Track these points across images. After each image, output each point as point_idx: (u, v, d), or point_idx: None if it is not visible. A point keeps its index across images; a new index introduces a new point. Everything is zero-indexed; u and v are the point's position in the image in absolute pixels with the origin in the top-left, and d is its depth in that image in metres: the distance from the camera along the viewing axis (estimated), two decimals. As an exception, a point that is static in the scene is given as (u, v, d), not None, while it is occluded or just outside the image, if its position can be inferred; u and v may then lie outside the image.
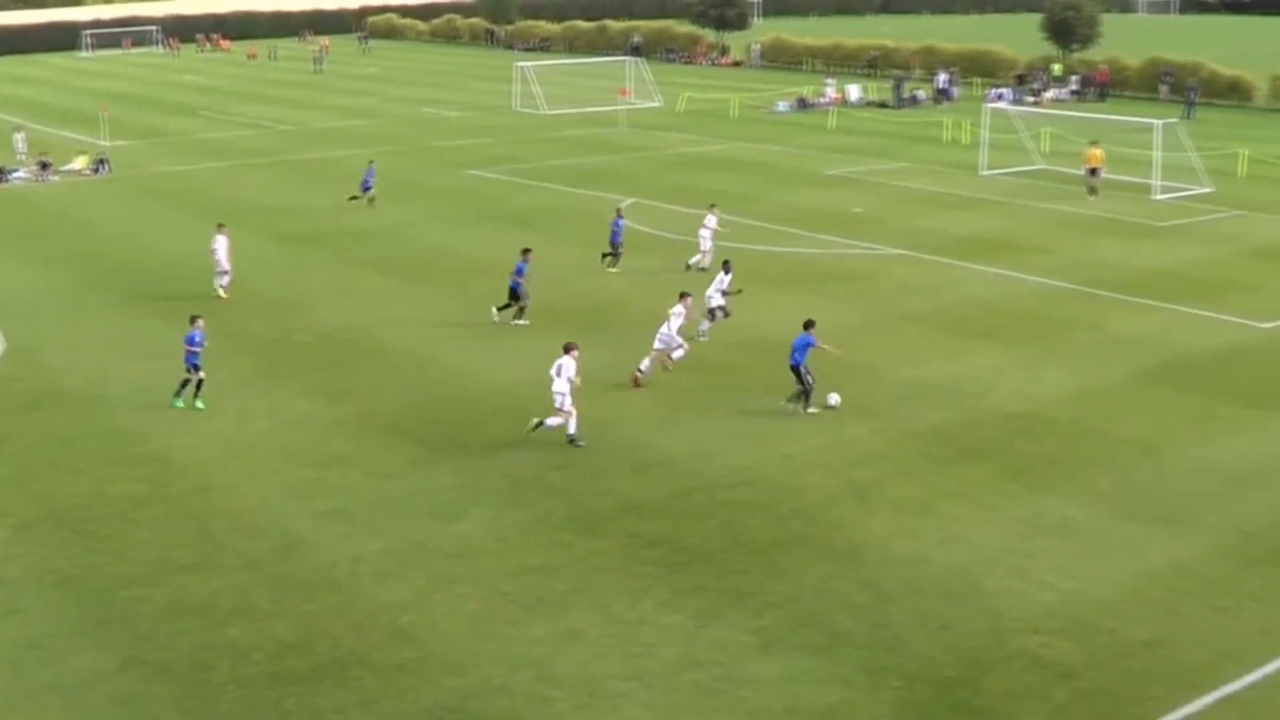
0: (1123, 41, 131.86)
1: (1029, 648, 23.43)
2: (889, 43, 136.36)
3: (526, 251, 43.84)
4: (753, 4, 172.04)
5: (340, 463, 31.86)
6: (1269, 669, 22.79)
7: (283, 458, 32.22)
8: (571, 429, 32.95)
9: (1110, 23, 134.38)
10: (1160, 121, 69.13)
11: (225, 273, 46.75)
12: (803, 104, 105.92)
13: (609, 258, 50.47)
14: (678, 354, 38.16)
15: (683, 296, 38.44)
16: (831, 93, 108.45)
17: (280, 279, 48.50)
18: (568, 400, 32.76)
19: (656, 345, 37.91)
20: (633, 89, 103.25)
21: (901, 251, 53.32)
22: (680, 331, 38.17)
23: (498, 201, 65.04)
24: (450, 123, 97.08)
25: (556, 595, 25.31)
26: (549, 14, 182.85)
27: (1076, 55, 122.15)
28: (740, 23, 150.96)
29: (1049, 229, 57.96)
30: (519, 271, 43.10)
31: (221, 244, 46.61)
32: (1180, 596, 25.37)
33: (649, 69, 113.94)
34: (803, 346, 34.97)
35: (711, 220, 50.60)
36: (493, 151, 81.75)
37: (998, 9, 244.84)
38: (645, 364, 37.71)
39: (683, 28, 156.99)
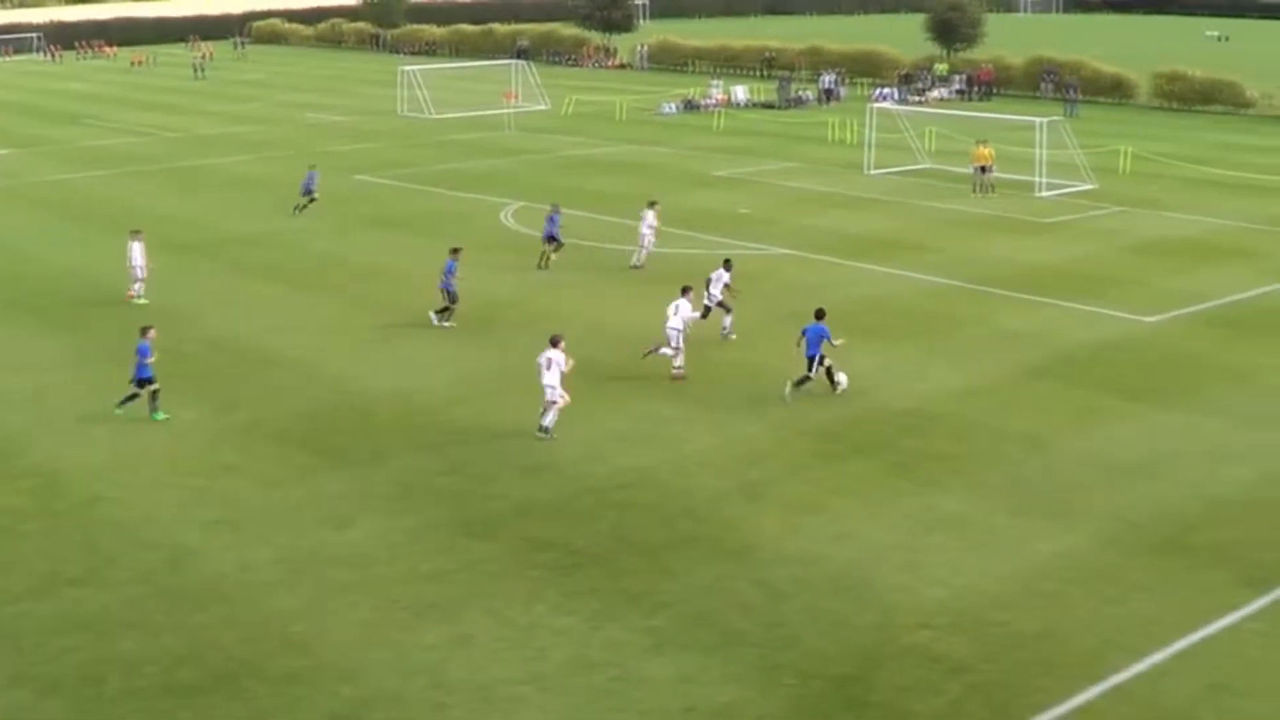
0: (1006, 41, 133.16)
1: (921, 642, 23.64)
2: (774, 44, 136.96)
3: (456, 251, 43.87)
4: (639, 6, 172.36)
5: (229, 473, 31.61)
6: (1157, 658, 23.12)
7: (171, 469, 31.91)
8: (548, 421, 33.37)
9: (994, 22, 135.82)
10: (1043, 119, 69.98)
11: (140, 280, 46.58)
12: (689, 105, 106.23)
13: (552, 251, 51.18)
14: (665, 351, 38.38)
15: (685, 291, 38.81)
16: (718, 94, 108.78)
17: (167, 287, 47.83)
18: (558, 391, 33.17)
19: (673, 342, 38.31)
20: (519, 92, 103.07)
21: (789, 251, 53.58)
22: (687, 326, 38.49)
23: (385, 207, 64.77)
24: (336, 128, 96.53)
25: (448, 601, 25.25)
26: (435, 17, 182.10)
27: (960, 55, 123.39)
28: (627, 25, 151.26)
29: (935, 227, 58.48)
30: (449, 271, 43.05)
31: (137, 250, 46.44)
32: (1069, 588, 25.70)
33: (536, 72, 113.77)
34: (817, 339, 35.82)
35: (651, 217, 51.02)
36: (379, 156, 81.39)
37: (882, 9, 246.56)
38: (679, 360, 38.18)
39: (569, 30, 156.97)
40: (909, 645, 23.58)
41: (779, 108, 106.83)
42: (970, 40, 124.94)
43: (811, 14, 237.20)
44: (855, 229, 57.90)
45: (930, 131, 79.83)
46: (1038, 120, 69.68)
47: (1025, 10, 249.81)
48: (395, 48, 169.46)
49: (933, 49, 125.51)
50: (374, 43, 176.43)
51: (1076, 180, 68.04)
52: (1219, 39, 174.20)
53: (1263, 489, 30.52)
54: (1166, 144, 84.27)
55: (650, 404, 36.01)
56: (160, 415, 34.97)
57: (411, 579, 26.15)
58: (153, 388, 35.08)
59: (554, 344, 33.54)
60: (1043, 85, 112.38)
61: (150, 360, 34.88)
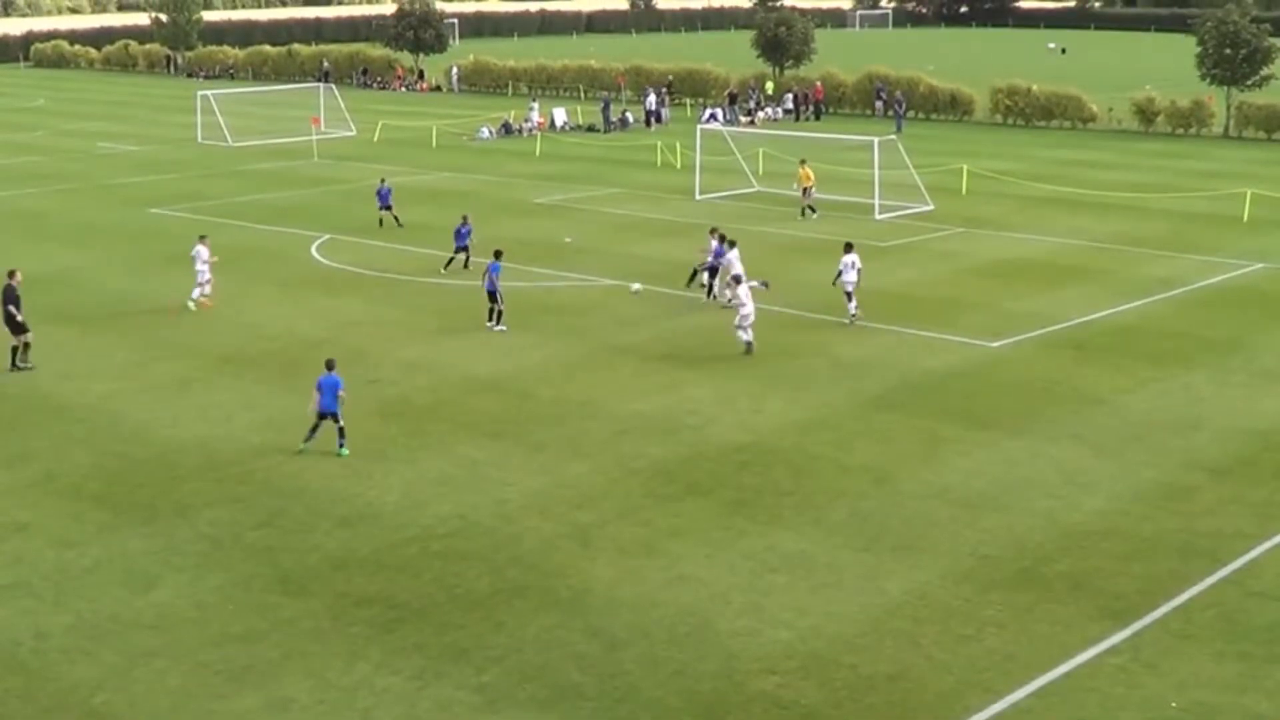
0: (838, 57, 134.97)
1: (767, 689, 23.73)
2: (594, 63, 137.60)
3: (499, 253, 48.20)
4: (450, 24, 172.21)
5: (19, 532, 30.90)
6: (1016, 696, 23.42)
7: (-46, 529, 31.23)
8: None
9: (825, 38, 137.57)
10: (878, 139, 70.79)
11: (208, 281, 50.25)
12: (507, 130, 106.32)
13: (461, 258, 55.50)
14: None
15: (848, 248, 47.65)
16: (537, 117, 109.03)
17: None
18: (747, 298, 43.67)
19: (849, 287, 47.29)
20: (324, 118, 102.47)
21: (615, 282, 53.67)
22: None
23: (183, 242, 63.45)
24: (129, 158, 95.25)
25: (264, 663, 24.92)
26: (232, 38, 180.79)
27: (790, 73, 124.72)
28: (438, 45, 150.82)
29: (768, 253, 58.79)
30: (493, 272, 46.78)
31: (203, 253, 50.21)
32: (921, 626, 25.96)
33: (342, 96, 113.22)
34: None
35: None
36: (176, 188, 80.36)
37: (707, 27, 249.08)
38: (854, 305, 47.56)
39: (377, 51, 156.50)
40: (755, 692, 23.66)
41: (602, 131, 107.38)
42: (800, 57, 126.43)
43: (632, 31, 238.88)
44: (683, 257, 57.99)
45: (761, 153, 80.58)
46: (872, 140, 70.51)
47: (857, 26, 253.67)
48: (191, 71, 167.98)
49: (762, 67, 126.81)
50: (168, 65, 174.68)
51: (914, 201, 69.01)
52: (1061, 51, 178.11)
53: (1117, 516, 31.05)
54: (1007, 161, 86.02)
55: (472, 446, 35.87)
56: (346, 450, 35.41)
57: (223, 641, 25.77)
58: (339, 425, 35.27)
59: (737, 282, 44.28)
60: (877, 103, 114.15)
61: (342, 394, 35.15)
